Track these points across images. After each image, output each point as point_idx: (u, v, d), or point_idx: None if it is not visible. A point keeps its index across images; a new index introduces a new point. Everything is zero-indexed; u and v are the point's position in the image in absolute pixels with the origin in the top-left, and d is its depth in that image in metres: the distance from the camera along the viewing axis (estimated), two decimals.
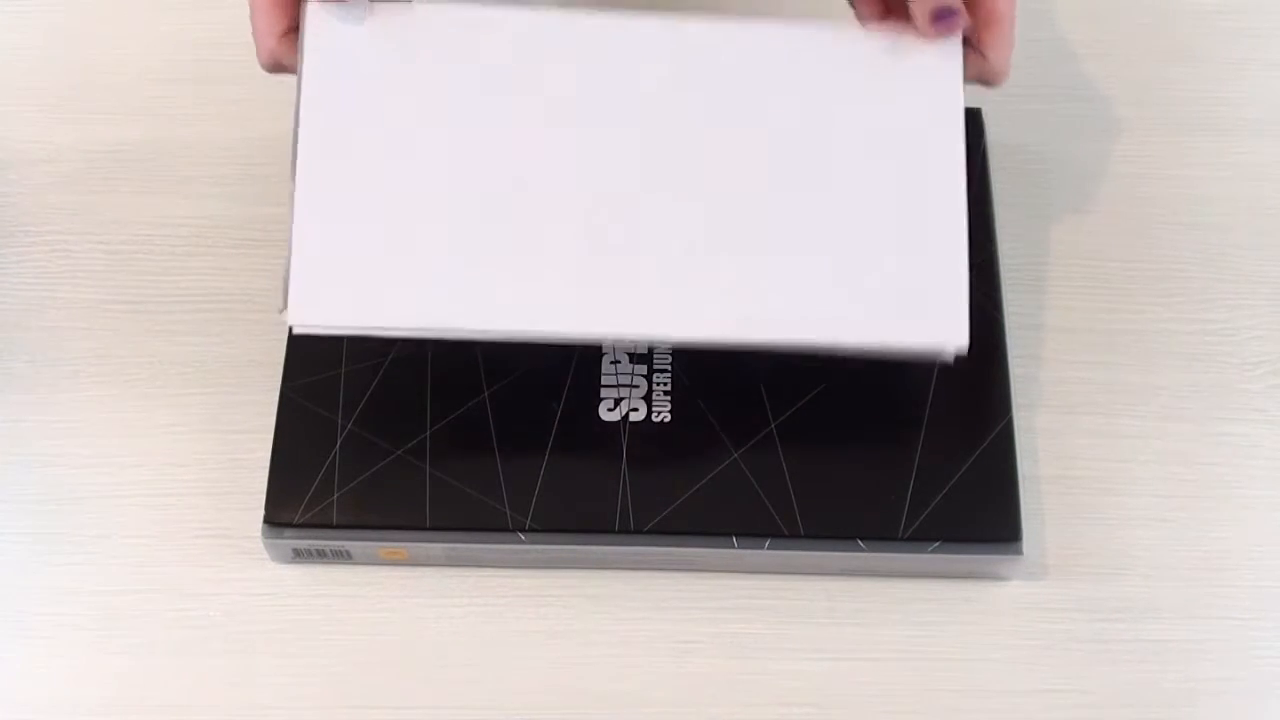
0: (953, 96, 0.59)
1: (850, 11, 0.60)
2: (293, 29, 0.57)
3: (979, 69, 0.59)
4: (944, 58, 0.59)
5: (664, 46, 0.59)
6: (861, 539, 0.61)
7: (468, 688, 0.61)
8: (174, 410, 0.66)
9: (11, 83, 0.75)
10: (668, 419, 0.63)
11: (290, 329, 0.57)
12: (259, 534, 0.62)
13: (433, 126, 0.58)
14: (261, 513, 0.61)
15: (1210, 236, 0.71)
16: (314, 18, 0.57)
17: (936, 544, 0.61)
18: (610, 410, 0.63)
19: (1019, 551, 0.61)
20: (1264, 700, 0.61)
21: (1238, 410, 0.66)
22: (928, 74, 0.59)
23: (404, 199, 0.57)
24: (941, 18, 0.57)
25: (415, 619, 0.62)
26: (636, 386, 0.64)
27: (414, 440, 0.62)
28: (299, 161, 0.57)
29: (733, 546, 0.61)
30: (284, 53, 0.58)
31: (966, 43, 0.58)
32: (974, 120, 0.70)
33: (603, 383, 0.64)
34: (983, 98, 0.71)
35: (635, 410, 0.63)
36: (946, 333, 0.57)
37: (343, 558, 0.63)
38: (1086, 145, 0.73)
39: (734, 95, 0.59)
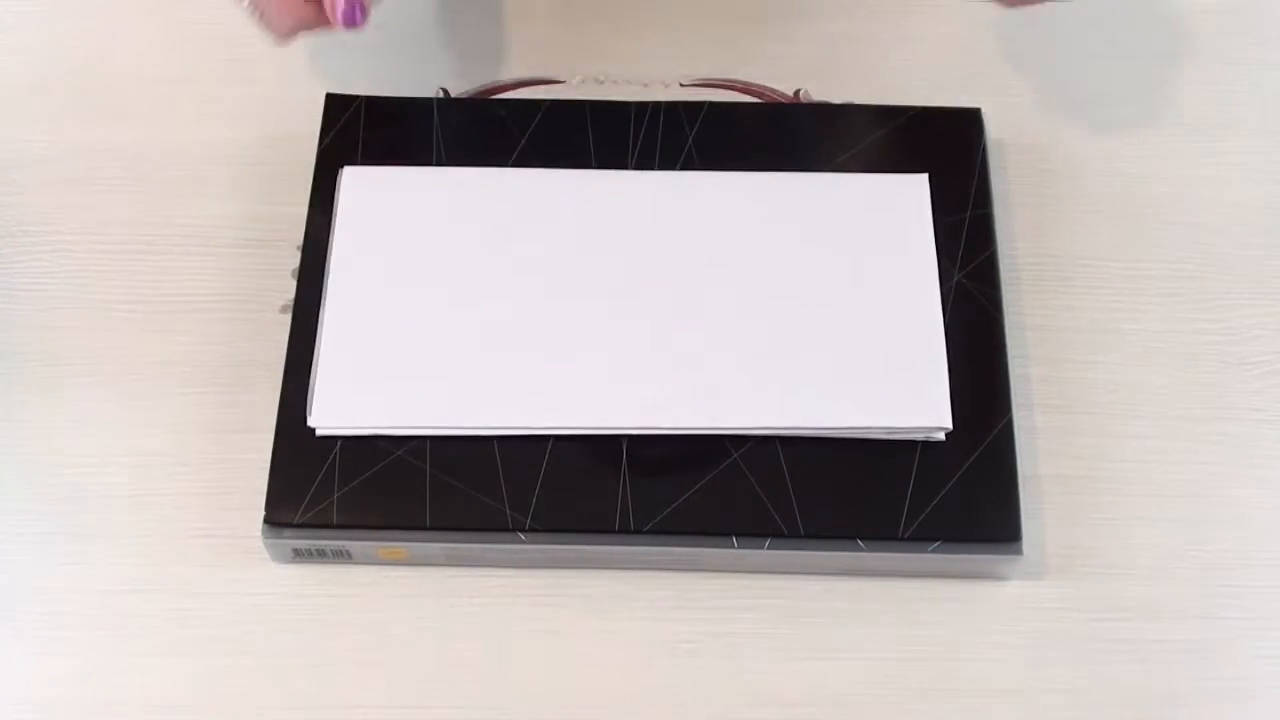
0: (923, 217, 0.66)
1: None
2: None
3: None
4: (914, 186, 0.67)
5: (655, 190, 0.67)
6: (861, 539, 0.61)
7: (468, 688, 0.61)
8: (174, 410, 0.66)
9: (11, 83, 0.75)
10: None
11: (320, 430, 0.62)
12: (259, 534, 0.62)
13: (443, 267, 0.65)
14: (261, 513, 0.61)
15: (1210, 236, 0.71)
16: (349, 179, 0.67)
17: (936, 544, 0.61)
18: None
19: (1019, 551, 0.61)
20: (1264, 700, 0.61)
21: (1238, 410, 0.66)
22: (900, 200, 0.67)
23: (416, 328, 0.64)
24: None
25: (415, 619, 0.62)
26: None
27: (414, 440, 0.62)
28: (328, 293, 0.65)
29: (733, 546, 0.61)
30: (310, 12, 0.58)
31: None
32: (974, 120, 0.70)
33: None
34: (983, 98, 0.71)
35: None
36: (932, 416, 0.62)
37: (343, 558, 0.63)
38: (1086, 145, 0.73)
39: (719, 228, 0.66)
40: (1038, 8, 0.68)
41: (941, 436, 0.62)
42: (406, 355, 0.63)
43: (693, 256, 0.65)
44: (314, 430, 0.62)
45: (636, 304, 0.64)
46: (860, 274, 0.65)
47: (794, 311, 0.64)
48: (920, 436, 0.62)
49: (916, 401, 0.62)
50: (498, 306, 0.64)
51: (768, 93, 0.73)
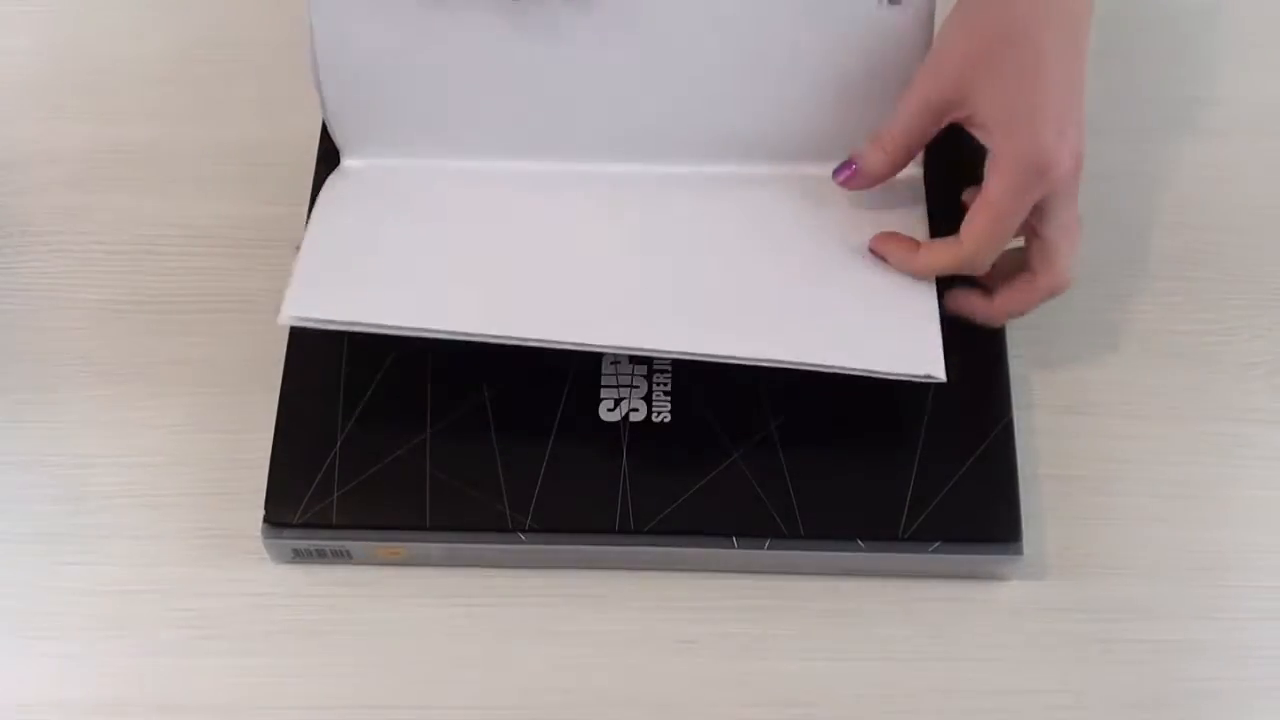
0: (918, 200, 0.65)
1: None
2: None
3: (1046, 286, 0.61)
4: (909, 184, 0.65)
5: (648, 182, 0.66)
6: (861, 539, 0.61)
7: (468, 688, 0.61)
8: (174, 410, 0.66)
9: (12, 83, 0.75)
10: (668, 419, 0.63)
11: (288, 322, 0.60)
12: (259, 534, 0.62)
13: (443, 180, 0.65)
14: (261, 513, 0.61)
15: (1210, 237, 0.71)
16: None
17: (936, 544, 0.61)
18: (610, 410, 0.63)
19: (1019, 551, 0.61)
20: (1263, 700, 0.61)
21: (1237, 410, 0.66)
22: (897, 192, 0.65)
23: (410, 227, 0.62)
24: (839, 171, 0.63)
25: (415, 619, 0.62)
26: (636, 386, 0.64)
27: (414, 440, 0.62)
28: (324, 185, 0.64)
29: (733, 546, 0.61)
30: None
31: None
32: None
33: (603, 383, 0.64)
34: None
35: (635, 410, 0.63)
36: (922, 364, 0.60)
37: (342, 558, 0.63)
38: (1087, 145, 0.73)
39: (718, 206, 0.65)
40: None
41: (940, 378, 0.60)
42: (396, 251, 0.62)
43: (692, 192, 0.65)
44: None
45: (635, 228, 0.64)
46: (854, 222, 0.64)
47: (790, 249, 0.64)
48: (912, 378, 0.60)
49: (910, 348, 0.60)
50: (494, 219, 0.63)
51: None
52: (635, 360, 0.64)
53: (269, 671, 0.61)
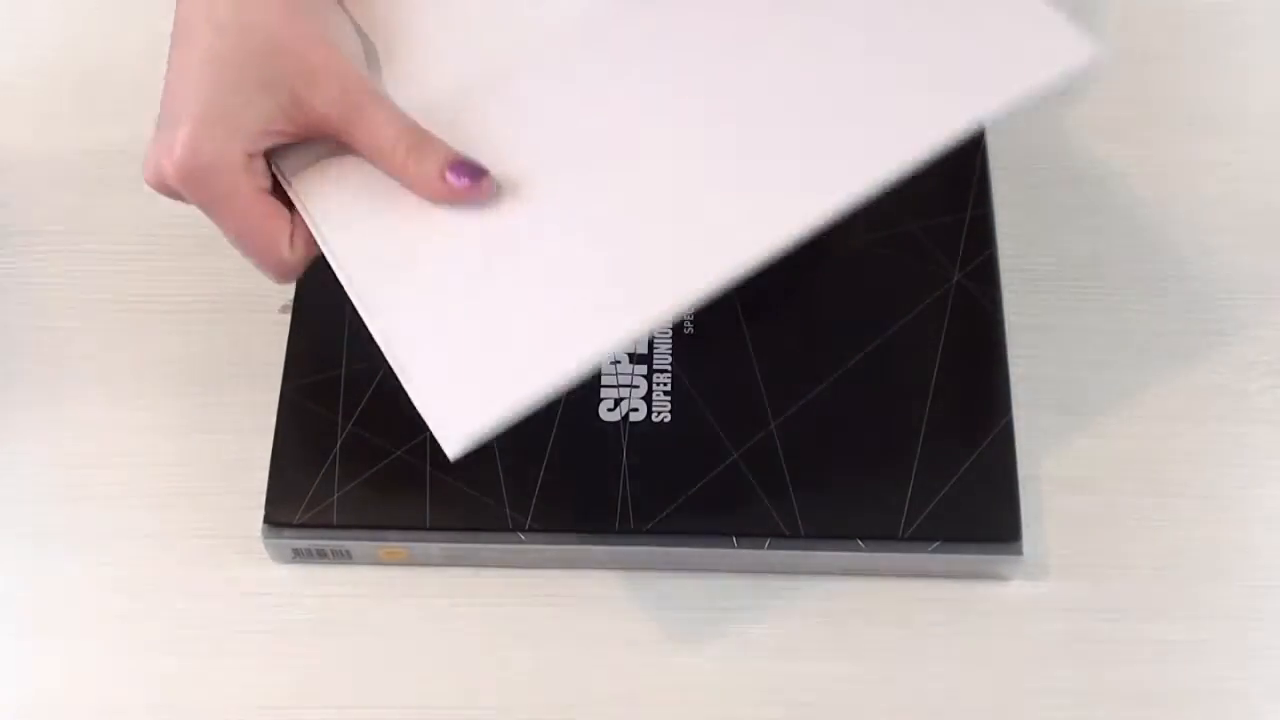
0: None
1: None
2: (250, 155, 0.53)
3: None
4: None
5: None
6: (861, 539, 0.61)
7: (468, 687, 0.61)
8: (174, 410, 0.66)
9: (11, 83, 0.75)
10: (668, 419, 0.63)
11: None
12: (259, 534, 0.62)
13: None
14: (261, 513, 0.61)
15: (1209, 236, 0.71)
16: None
17: (936, 544, 0.61)
18: (610, 410, 0.63)
19: (1019, 551, 0.61)
20: (1264, 700, 0.61)
21: (1236, 410, 0.66)
22: None
23: (462, 276, 0.54)
24: None
25: (415, 619, 0.62)
26: (636, 386, 0.64)
27: (414, 440, 0.62)
28: (360, 305, 0.55)
29: (733, 546, 0.61)
30: (296, 259, 0.55)
31: None
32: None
33: (603, 383, 0.64)
34: None
35: (635, 410, 0.63)
36: (1071, 52, 0.53)
37: (343, 558, 0.63)
38: (1086, 145, 0.73)
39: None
40: None
41: (1096, 60, 0.53)
42: (479, 315, 0.54)
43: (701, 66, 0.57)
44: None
45: (682, 128, 0.56)
46: None
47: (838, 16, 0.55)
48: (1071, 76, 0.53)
49: (1045, 42, 0.53)
50: (534, 202, 0.55)
51: None
52: (635, 360, 0.64)
53: (269, 671, 0.61)
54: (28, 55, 0.76)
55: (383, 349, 0.54)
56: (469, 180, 0.54)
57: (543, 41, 0.58)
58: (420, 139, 0.54)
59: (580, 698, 0.61)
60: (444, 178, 0.53)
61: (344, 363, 0.64)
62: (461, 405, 0.52)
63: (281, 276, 0.56)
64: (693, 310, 0.54)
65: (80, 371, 0.67)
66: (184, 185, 0.53)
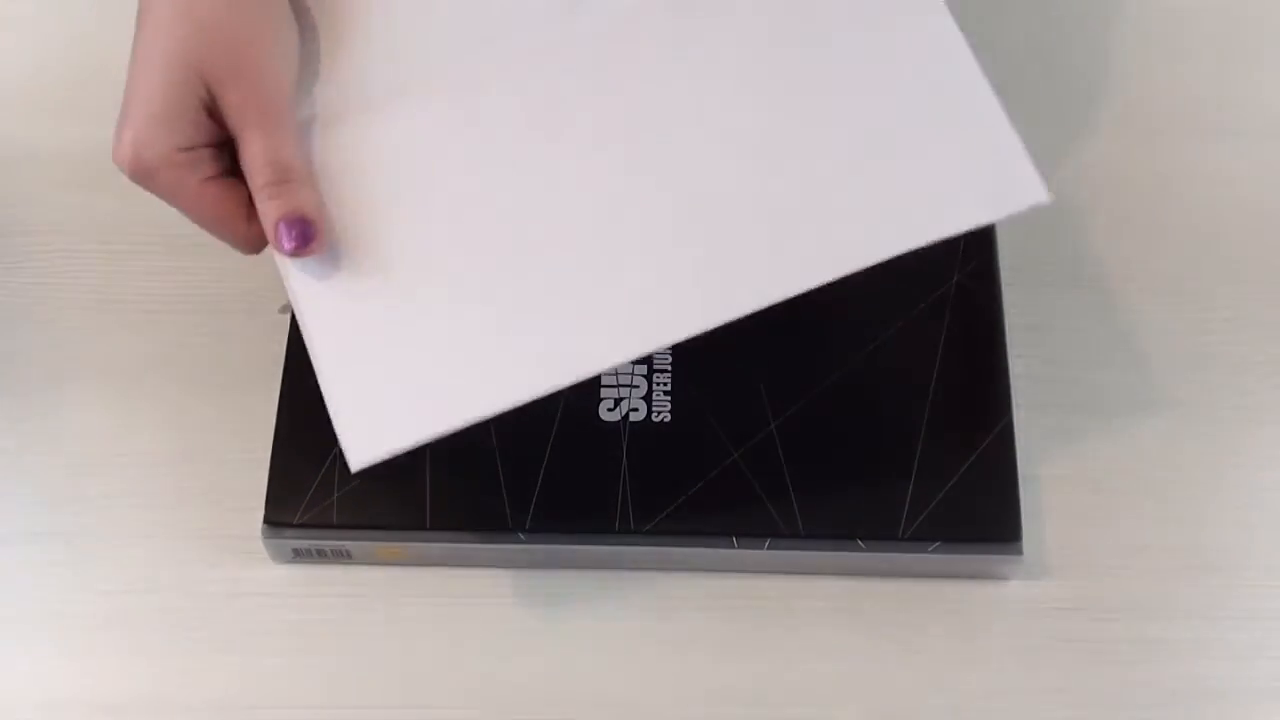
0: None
1: None
2: (183, 148, 0.54)
3: None
4: None
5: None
6: (861, 539, 0.61)
7: (468, 687, 0.61)
8: (174, 410, 0.66)
9: (11, 83, 0.75)
10: (668, 419, 0.63)
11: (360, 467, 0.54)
12: (259, 534, 0.62)
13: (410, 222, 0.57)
14: (261, 513, 0.61)
15: (1210, 236, 0.71)
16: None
17: (936, 544, 0.61)
18: (610, 410, 0.63)
19: (1019, 551, 0.61)
20: (1264, 700, 0.61)
21: (1238, 410, 0.66)
22: None
23: (409, 298, 0.56)
24: None
25: (415, 619, 0.62)
26: (636, 386, 0.64)
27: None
28: (300, 311, 0.56)
29: (733, 546, 0.61)
30: (171, 169, 0.55)
31: None
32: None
33: (603, 383, 0.64)
34: None
35: (635, 410, 0.63)
36: (1021, 192, 0.54)
37: (343, 558, 0.63)
38: (1086, 145, 0.73)
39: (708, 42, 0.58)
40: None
41: (1046, 200, 0.54)
42: (415, 336, 0.55)
43: (690, 90, 0.57)
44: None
45: (640, 187, 0.57)
46: (875, 68, 0.56)
47: (798, 112, 0.56)
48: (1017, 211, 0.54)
49: (998, 181, 0.54)
50: (491, 238, 0.56)
51: None
52: (635, 360, 0.64)
53: (269, 671, 0.61)
54: (28, 55, 0.76)
55: (310, 349, 0.55)
56: (292, 243, 0.54)
57: (499, 65, 0.58)
58: (281, 178, 0.54)
59: (580, 698, 0.61)
60: (276, 228, 0.54)
61: None
62: (374, 424, 0.54)
63: (248, 249, 0.57)
64: (612, 368, 0.56)
65: (80, 371, 0.67)
66: (137, 180, 0.55)
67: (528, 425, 0.62)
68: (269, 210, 0.54)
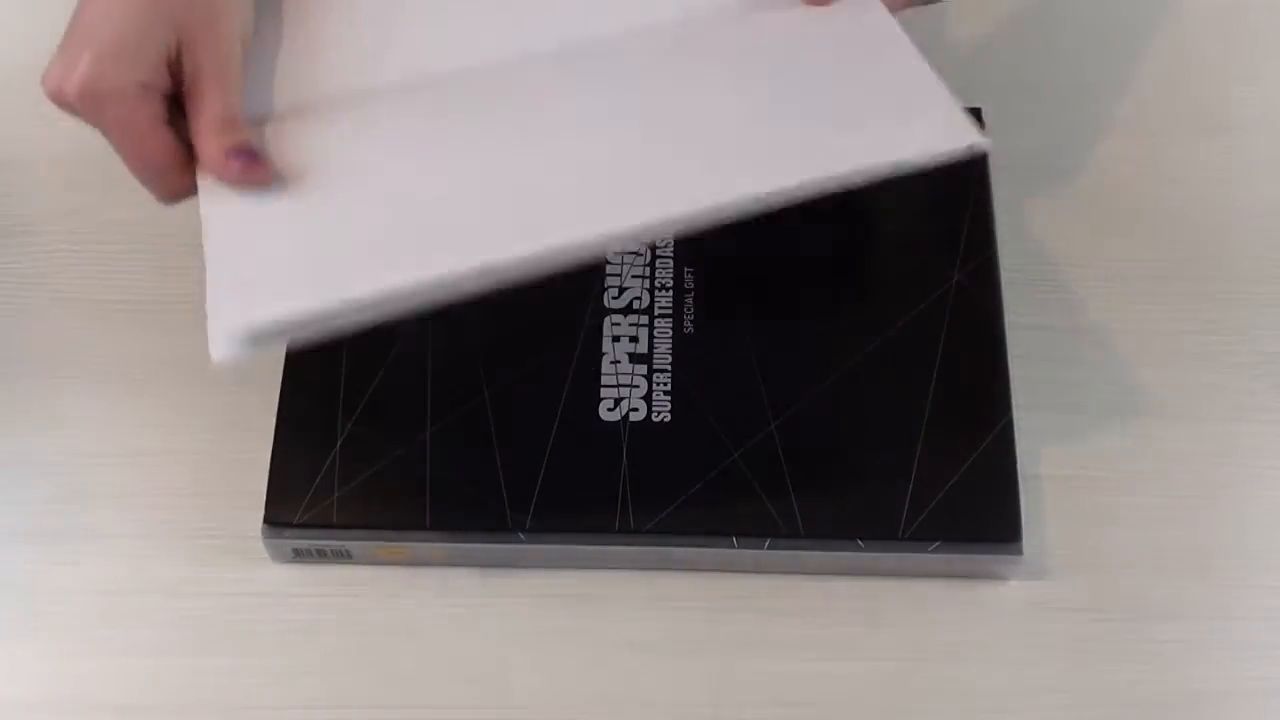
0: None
1: None
2: (140, 83, 0.54)
3: None
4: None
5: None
6: (861, 539, 0.61)
7: (468, 688, 0.61)
8: (174, 410, 0.66)
9: (11, 83, 0.75)
10: (668, 419, 0.63)
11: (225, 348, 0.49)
12: (259, 534, 0.62)
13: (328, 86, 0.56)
14: (261, 513, 0.61)
15: (1210, 236, 0.71)
16: None
17: (936, 544, 0.61)
18: (610, 410, 0.63)
19: (1019, 551, 0.61)
20: (1264, 700, 0.61)
21: (1238, 410, 0.66)
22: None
23: (313, 183, 0.54)
24: None
25: (415, 619, 0.62)
26: (636, 386, 0.64)
27: (414, 440, 0.62)
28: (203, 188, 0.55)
29: (733, 546, 0.61)
30: (110, 100, 0.54)
31: None
32: (974, 120, 0.70)
33: (603, 383, 0.64)
34: (984, 98, 0.71)
35: (635, 410, 0.63)
36: (955, 134, 0.54)
37: (343, 558, 0.63)
38: (1087, 145, 0.73)
39: (643, 45, 0.58)
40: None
41: (985, 146, 0.53)
42: (326, 208, 0.53)
43: (630, 39, 0.58)
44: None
45: (581, 82, 0.57)
46: (807, 32, 0.58)
47: (740, 63, 0.57)
48: (953, 157, 0.54)
49: (934, 124, 0.54)
50: (410, 110, 0.55)
51: None
52: (635, 359, 0.64)
53: (269, 671, 0.61)
54: (28, 54, 0.76)
55: (204, 228, 0.53)
56: (239, 161, 0.54)
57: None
58: (231, 125, 0.55)
59: (580, 698, 0.61)
60: (224, 157, 0.54)
61: (344, 363, 0.64)
62: (249, 294, 0.50)
63: (170, 199, 0.57)
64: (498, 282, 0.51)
65: (80, 371, 0.67)
66: (82, 107, 0.55)
67: (528, 425, 0.63)
68: (217, 146, 0.54)
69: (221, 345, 0.48)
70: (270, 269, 0.51)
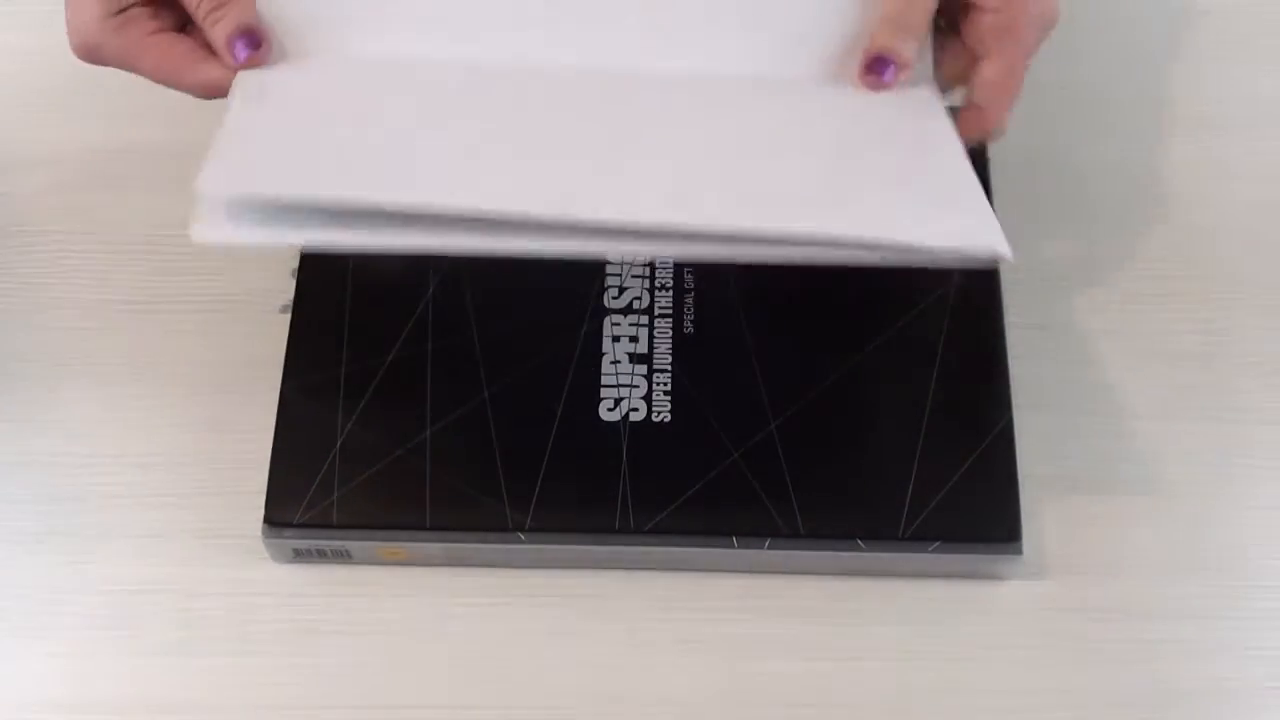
0: (930, 96, 0.60)
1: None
2: (120, 11, 0.56)
3: (976, 125, 0.59)
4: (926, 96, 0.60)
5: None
6: (861, 539, 0.61)
7: (468, 687, 0.61)
8: (174, 410, 0.66)
9: (11, 83, 0.75)
10: (668, 419, 0.63)
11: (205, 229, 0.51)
12: (259, 534, 0.62)
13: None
14: (261, 513, 0.61)
15: (1210, 236, 0.71)
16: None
17: (936, 544, 0.61)
18: (610, 410, 0.63)
19: (1019, 551, 0.61)
20: (1264, 700, 0.61)
21: (1237, 410, 0.66)
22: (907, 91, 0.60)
23: (349, 77, 0.56)
24: (873, 69, 0.58)
25: (415, 619, 0.62)
26: (636, 386, 0.64)
27: (414, 440, 0.62)
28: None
29: (733, 546, 0.61)
30: (108, 41, 0.57)
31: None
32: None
33: (603, 383, 0.64)
34: None
35: (635, 410, 0.63)
36: (981, 235, 0.54)
37: (343, 558, 0.63)
38: (1086, 145, 0.73)
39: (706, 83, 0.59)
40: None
41: (1001, 255, 0.53)
42: (339, 106, 0.55)
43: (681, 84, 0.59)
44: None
45: (616, 91, 0.58)
46: (860, 108, 0.58)
47: (800, 120, 0.58)
48: (973, 262, 0.54)
49: (964, 223, 0.54)
50: (448, 71, 0.57)
51: None
52: (635, 359, 0.64)
53: (269, 671, 0.61)
54: (29, 55, 0.76)
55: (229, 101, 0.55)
56: (245, 52, 0.56)
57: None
58: (220, 2, 0.56)
59: (580, 698, 0.61)
60: (229, 45, 0.56)
61: (344, 363, 0.64)
62: (231, 178, 0.51)
63: (206, 93, 0.58)
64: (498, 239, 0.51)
65: (80, 372, 0.67)
66: (93, 63, 0.58)
67: (528, 425, 0.63)
68: (218, 34, 0.56)
69: (203, 222, 0.50)
70: (265, 160, 0.52)
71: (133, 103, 0.74)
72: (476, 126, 0.55)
